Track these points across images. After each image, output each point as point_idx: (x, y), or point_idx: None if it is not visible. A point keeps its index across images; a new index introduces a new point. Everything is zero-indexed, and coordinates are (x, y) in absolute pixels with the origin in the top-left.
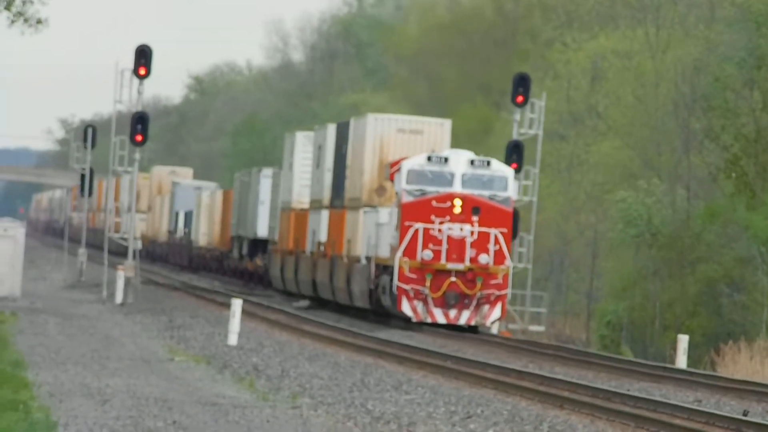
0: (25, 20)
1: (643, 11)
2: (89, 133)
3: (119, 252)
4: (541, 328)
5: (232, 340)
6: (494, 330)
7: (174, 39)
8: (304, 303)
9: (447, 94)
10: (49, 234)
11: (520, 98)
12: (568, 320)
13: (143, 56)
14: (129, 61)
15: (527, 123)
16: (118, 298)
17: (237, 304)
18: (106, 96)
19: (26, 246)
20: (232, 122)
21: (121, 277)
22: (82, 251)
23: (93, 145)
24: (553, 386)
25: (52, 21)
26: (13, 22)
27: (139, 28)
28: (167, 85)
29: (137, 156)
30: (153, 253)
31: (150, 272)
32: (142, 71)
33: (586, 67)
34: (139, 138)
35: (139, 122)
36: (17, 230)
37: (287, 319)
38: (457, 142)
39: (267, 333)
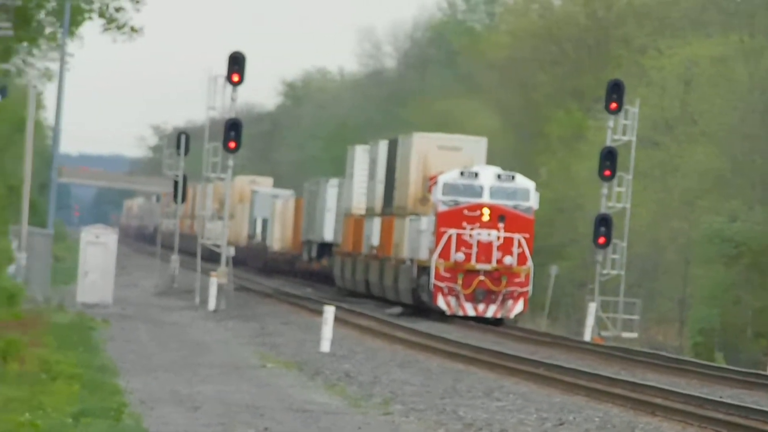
0: (118, 28)
1: (737, 17)
2: (182, 139)
3: (210, 258)
4: (633, 335)
5: (324, 346)
6: (587, 337)
7: (266, 46)
8: (397, 310)
9: (538, 101)
10: (140, 240)
11: (613, 105)
12: (661, 327)
13: (236, 63)
14: (222, 67)
15: (621, 129)
16: (211, 304)
17: (329, 311)
18: (200, 103)
19: (118, 252)
20: (324, 128)
21: (214, 283)
22: (175, 257)
23: (186, 152)
24: (645, 393)
25: (146, 29)
26: (106, 29)
27: (232, 34)
28: (260, 91)
29: (230, 162)
30: (234, 257)
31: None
32: (236, 78)
33: (679, 73)
34: (232, 145)
35: (233, 129)
36: (109, 237)
37: (379, 326)
38: (549, 149)
39: (359, 340)
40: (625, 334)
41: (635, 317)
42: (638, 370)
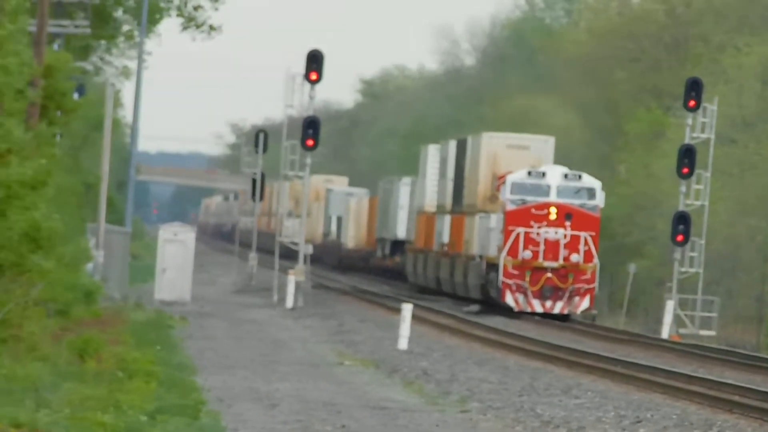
0: (197, 26)
1: None
2: (260, 137)
3: (287, 256)
4: (711, 333)
5: (402, 344)
6: (664, 334)
7: (344, 43)
8: (475, 308)
9: (617, 99)
10: (218, 238)
11: (692, 102)
12: (739, 325)
13: (314, 61)
14: (300, 65)
15: (699, 127)
16: (289, 302)
17: (407, 308)
18: (278, 101)
19: (196, 250)
20: (402, 126)
21: (291, 281)
22: (253, 255)
23: (264, 150)
24: (723, 390)
25: (224, 27)
26: (185, 27)
27: (311, 32)
28: (337, 89)
29: (308, 161)
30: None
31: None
32: (314, 76)
33: (757, 71)
34: (310, 143)
35: (310, 127)
36: (187, 235)
37: (457, 324)
38: (628, 146)
39: (436, 337)
40: (703, 332)
41: (713, 315)
42: (716, 368)
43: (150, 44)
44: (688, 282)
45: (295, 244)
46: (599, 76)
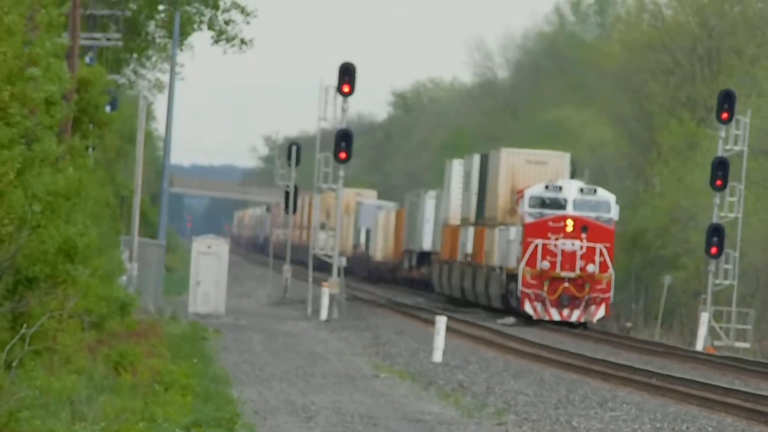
0: (228, 40)
1: None
2: (293, 150)
3: (319, 268)
4: (746, 345)
5: (437, 356)
6: (699, 346)
7: (377, 56)
8: (510, 320)
9: (651, 110)
10: (252, 250)
11: (725, 115)
12: None
13: (347, 73)
14: (333, 78)
15: (732, 139)
16: (323, 314)
17: (442, 321)
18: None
19: (230, 262)
20: (436, 138)
21: (326, 293)
22: (287, 267)
23: (297, 162)
24: (759, 402)
25: (256, 40)
26: (216, 41)
27: (343, 45)
28: (370, 102)
29: (341, 173)
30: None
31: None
32: (346, 88)
33: None
34: (343, 155)
35: (343, 139)
36: (221, 247)
37: (492, 336)
38: (662, 158)
39: (472, 350)
40: (738, 344)
41: (748, 327)
42: (752, 380)
43: (182, 57)
44: (722, 294)
45: (329, 256)
46: (633, 87)
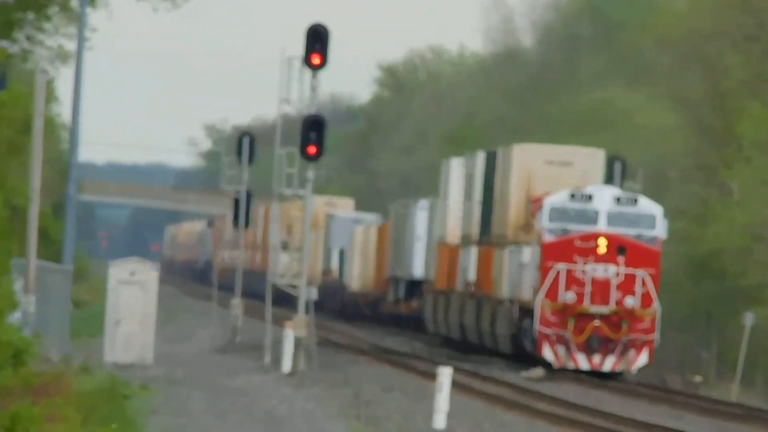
0: None
1: None
2: (246, 143)
3: (280, 302)
4: None
5: (440, 422)
6: None
7: (358, 20)
8: (539, 372)
9: (728, 91)
10: (189, 278)
11: None
12: None
13: (317, 40)
14: (299, 47)
15: None
16: (286, 365)
17: (446, 373)
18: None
19: (160, 294)
20: (438, 127)
21: (290, 337)
22: (237, 302)
23: (251, 160)
24: None
25: None
26: None
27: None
28: (349, 79)
29: (310, 174)
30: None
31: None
32: (316, 60)
33: None
34: (312, 150)
35: (313, 128)
36: (148, 274)
37: (513, 394)
38: (742, 155)
39: (486, 412)
40: None
41: None
42: None
43: (95, 17)
44: None
45: (294, 287)
46: (703, 60)
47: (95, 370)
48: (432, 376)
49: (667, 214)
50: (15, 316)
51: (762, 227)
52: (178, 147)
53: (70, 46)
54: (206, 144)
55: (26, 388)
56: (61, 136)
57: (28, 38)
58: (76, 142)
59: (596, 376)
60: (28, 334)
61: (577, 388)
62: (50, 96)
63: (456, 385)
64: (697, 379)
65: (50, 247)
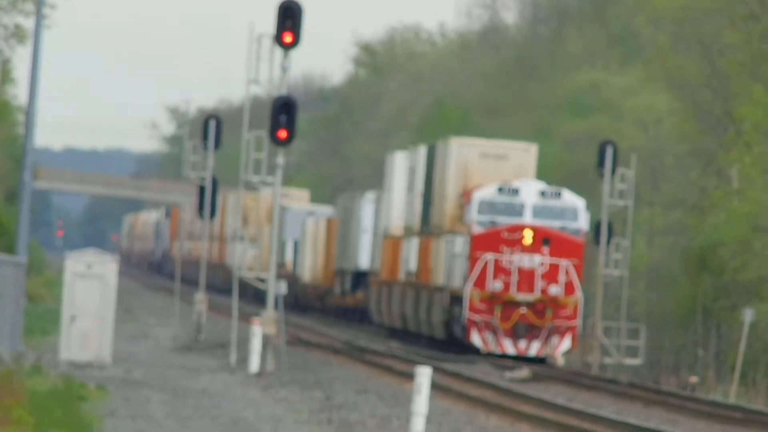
0: None
1: None
2: (211, 126)
3: (251, 296)
4: None
5: (418, 426)
6: None
7: None
8: (523, 373)
9: (727, 72)
10: (148, 270)
11: None
12: None
13: (289, 15)
14: (269, 24)
15: None
16: (253, 365)
17: (424, 374)
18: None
19: (119, 289)
20: (417, 110)
21: (257, 334)
22: (201, 297)
23: (217, 145)
24: None
25: None
26: None
27: None
28: (322, 58)
29: (280, 160)
30: (261, 292)
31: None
32: (288, 37)
33: None
34: (282, 134)
35: (284, 111)
36: (107, 266)
37: (496, 396)
38: (742, 141)
39: (467, 416)
40: None
41: None
42: None
43: None
44: None
45: (262, 280)
46: (701, 39)
47: (49, 369)
48: (409, 377)
49: (663, 203)
50: None
51: (763, 218)
52: (140, 131)
53: (27, 23)
54: (169, 128)
55: None
56: (16, 119)
57: None
58: (32, 126)
59: (522, 360)
60: None
61: (566, 389)
62: (5, 77)
63: (435, 386)
64: (693, 379)
65: (2, 238)
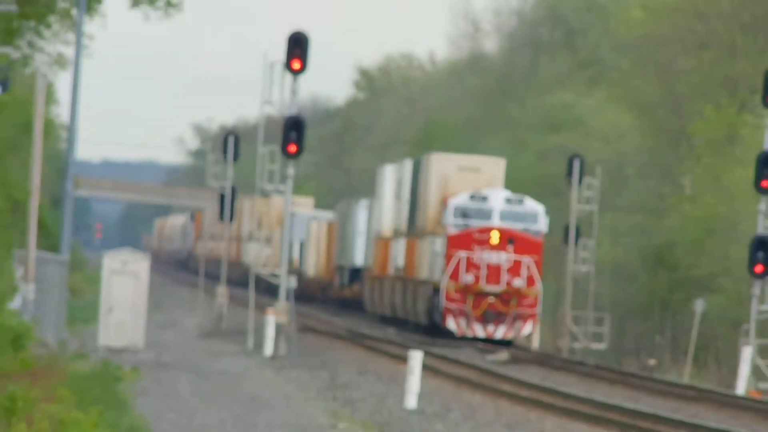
0: (151, 2)
1: None
2: (230, 142)
3: (264, 290)
4: None
5: (411, 402)
6: (740, 390)
7: (336, 26)
8: (503, 356)
9: (681, 93)
10: (176, 268)
11: None
12: None
13: (298, 46)
14: (280, 52)
15: None
16: (268, 349)
17: (416, 357)
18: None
19: (151, 283)
20: (410, 127)
21: (271, 323)
22: (222, 290)
23: (235, 158)
24: None
25: (187, 4)
26: (135, 4)
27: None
28: (327, 82)
29: (291, 171)
30: (272, 285)
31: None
32: (297, 64)
33: None
34: (292, 148)
35: (294, 128)
36: (140, 264)
37: (479, 376)
38: (694, 153)
39: (454, 393)
40: None
41: None
42: None
43: (91, 25)
44: None
45: (275, 275)
46: (658, 65)
47: (89, 354)
48: (403, 360)
49: (625, 208)
50: (15, 303)
51: (713, 220)
52: (169, 145)
53: (68, 52)
54: (194, 143)
55: (24, 372)
56: (59, 135)
57: (30, 44)
58: (73, 142)
59: (491, 342)
60: (28, 320)
61: (540, 371)
62: (50, 99)
63: (426, 368)
64: (652, 362)
65: (48, 239)
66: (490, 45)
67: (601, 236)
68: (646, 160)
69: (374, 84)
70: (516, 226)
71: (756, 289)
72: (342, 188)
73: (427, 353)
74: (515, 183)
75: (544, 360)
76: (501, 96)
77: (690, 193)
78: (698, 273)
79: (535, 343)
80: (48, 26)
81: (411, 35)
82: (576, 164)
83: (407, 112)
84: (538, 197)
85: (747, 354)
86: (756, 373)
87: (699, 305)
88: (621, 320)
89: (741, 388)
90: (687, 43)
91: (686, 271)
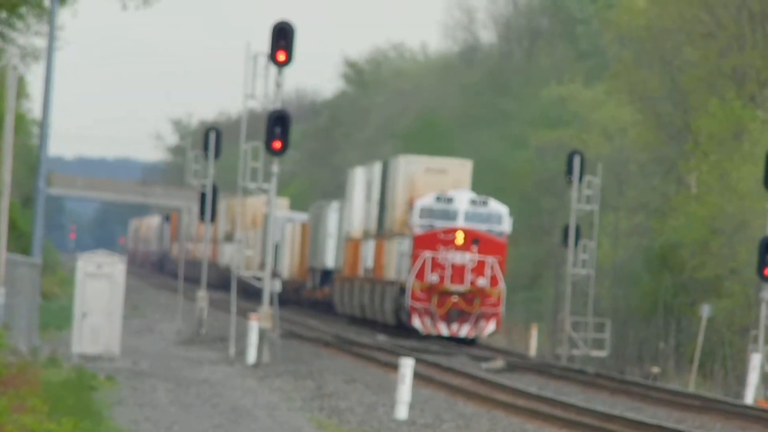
0: None
1: None
2: (212, 137)
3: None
4: None
5: (402, 412)
6: (749, 399)
7: (324, 16)
8: (499, 364)
9: (686, 86)
10: (150, 269)
11: None
12: None
13: (283, 36)
14: (264, 43)
15: None
16: (251, 356)
17: (407, 364)
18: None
19: (127, 287)
20: (401, 123)
21: (254, 328)
22: (203, 294)
23: (217, 155)
24: None
25: None
26: None
27: (280, 2)
28: (313, 75)
29: (275, 168)
30: (249, 286)
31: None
32: (282, 56)
33: None
34: (277, 145)
35: (278, 124)
36: (115, 266)
37: (473, 385)
38: (700, 149)
39: (447, 403)
40: None
41: None
42: None
43: (65, 16)
44: None
45: (259, 279)
46: (662, 56)
47: (63, 361)
48: (394, 368)
49: (627, 207)
50: None
51: (719, 220)
52: (146, 141)
53: (40, 43)
54: (173, 139)
55: None
56: (31, 131)
57: (1, 36)
58: (46, 138)
59: (455, 341)
60: None
61: (538, 379)
62: (21, 93)
63: (417, 376)
64: (655, 370)
65: (19, 240)
66: (486, 36)
67: (602, 237)
68: (649, 156)
69: (363, 77)
70: (480, 227)
71: (765, 293)
72: (329, 187)
73: (418, 361)
74: (515, 183)
75: (542, 368)
76: (496, 90)
77: (695, 192)
78: (704, 276)
79: (533, 350)
80: (21, 17)
81: (402, 25)
82: (576, 161)
83: (398, 107)
84: (536, 197)
85: (756, 361)
86: (765, 381)
87: (705, 310)
88: (623, 326)
89: (749, 397)
90: (692, 33)
91: (691, 273)
